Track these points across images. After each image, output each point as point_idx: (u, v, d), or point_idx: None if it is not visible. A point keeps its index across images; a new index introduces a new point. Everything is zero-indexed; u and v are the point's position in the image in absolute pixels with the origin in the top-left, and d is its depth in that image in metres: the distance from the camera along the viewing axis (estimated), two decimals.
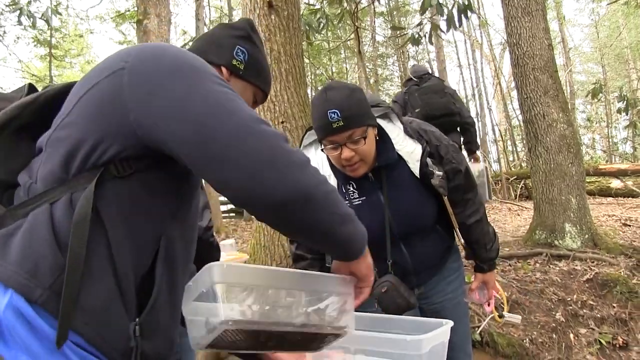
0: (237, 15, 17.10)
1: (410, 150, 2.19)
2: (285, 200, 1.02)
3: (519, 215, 10.65)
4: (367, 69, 17.14)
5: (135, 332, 1.11)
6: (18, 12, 7.80)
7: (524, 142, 7.11)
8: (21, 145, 1.22)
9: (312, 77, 22.90)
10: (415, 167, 2.18)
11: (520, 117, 7.62)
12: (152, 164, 1.13)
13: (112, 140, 1.09)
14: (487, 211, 2.53)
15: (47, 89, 1.27)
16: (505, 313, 2.58)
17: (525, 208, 10.94)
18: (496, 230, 2.54)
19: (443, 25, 6.31)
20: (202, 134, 1.03)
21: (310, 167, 1.08)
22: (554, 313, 4.71)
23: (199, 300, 1.12)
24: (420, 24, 7.30)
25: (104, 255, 1.08)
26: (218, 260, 2.70)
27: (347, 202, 2.20)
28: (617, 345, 4.45)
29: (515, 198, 13.50)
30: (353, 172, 2.14)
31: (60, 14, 11.00)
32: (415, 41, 7.09)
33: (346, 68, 24.96)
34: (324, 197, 1.08)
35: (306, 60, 15.51)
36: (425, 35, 6.97)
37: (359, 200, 2.22)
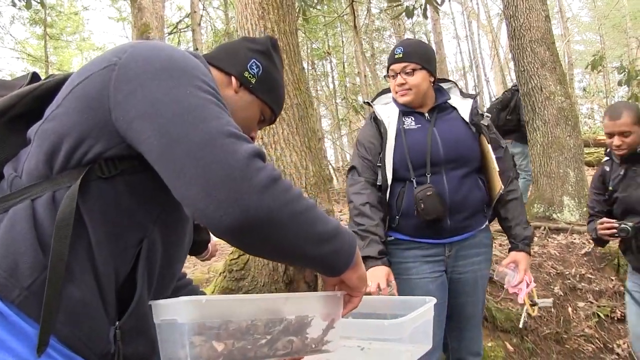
0: None
1: (463, 104, 2.69)
2: (240, 224, 0.95)
3: None
4: (363, 42, 16.99)
5: (116, 336, 1.09)
6: None
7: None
8: (14, 135, 1.20)
9: (309, 51, 22.74)
10: (466, 114, 2.64)
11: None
12: (138, 165, 1.09)
13: (96, 137, 1.07)
14: None
15: (49, 79, 1.25)
16: (536, 300, 2.59)
17: None
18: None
19: None
20: (166, 137, 0.99)
21: (278, 186, 0.99)
22: (552, 287, 4.74)
23: (170, 326, 1.10)
24: None
25: (85, 257, 1.06)
26: (206, 239, 2.69)
27: (403, 127, 2.63)
28: (615, 318, 4.49)
29: None
30: (402, 97, 2.62)
31: None
32: (409, 13, 7.00)
33: (342, 41, 24.75)
34: (290, 219, 1.00)
35: (302, 35, 15.37)
36: (420, 7, 6.88)
37: (415, 126, 2.62)
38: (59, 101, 1.13)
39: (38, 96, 1.21)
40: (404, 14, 7.23)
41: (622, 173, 3.16)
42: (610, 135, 3.07)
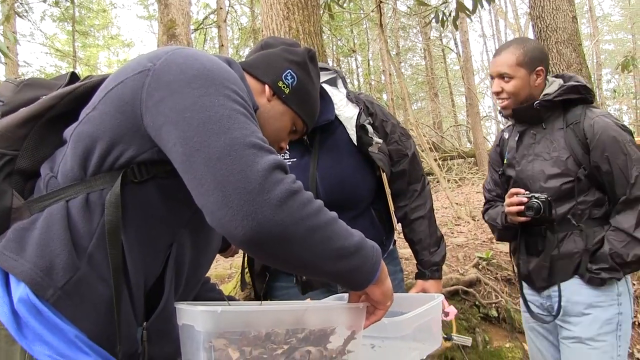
0: None
1: (349, 116, 2.10)
2: (253, 237, 0.95)
3: None
4: (389, 41, 16.93)
5: (143, 336, 1.13)
6: None
7: None
8: (52, 134, 1.22)
9: (334, 48, 22.73)
10: (353, 134, 2.09)
11: None
12: (170, 170, 1.09)
13: (128, 142, 1.10)
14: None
15: (87, 81, 1.26)
16: (453, 335, 2.05)
17: None
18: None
19: (469, 3, 6.05)
20: (189, 146, 1.00)
21: (295, 201, 0.98)
22: None
23: (189, 330, 1.11)
24: (445, 2, 7.07)
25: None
26: None
27: None
28: (637, 323, 4.44)
29: None
30: None
31: None
32: (441, 22, 6.87)
33: (367, 39, 24.68)
34: (306, 235, 0.99)
35: (327, 32, 15.37)
36: (450, 15, 6.78)
37: (288, 162, 2.09)
38: (94, 104, 1.15)
39: (77, 96, 1.23)
40: (434, 20, 7.08)
41: (517, 139, 2.39)
42: (491, 77, 2.33)
